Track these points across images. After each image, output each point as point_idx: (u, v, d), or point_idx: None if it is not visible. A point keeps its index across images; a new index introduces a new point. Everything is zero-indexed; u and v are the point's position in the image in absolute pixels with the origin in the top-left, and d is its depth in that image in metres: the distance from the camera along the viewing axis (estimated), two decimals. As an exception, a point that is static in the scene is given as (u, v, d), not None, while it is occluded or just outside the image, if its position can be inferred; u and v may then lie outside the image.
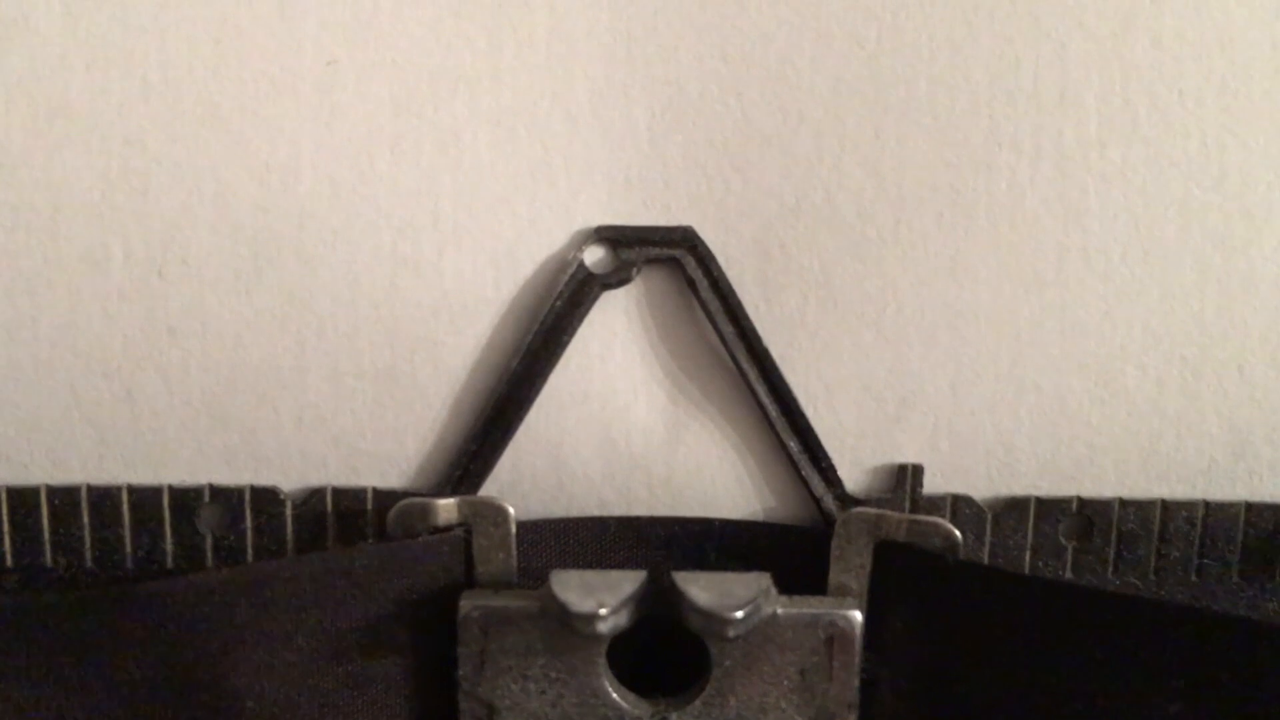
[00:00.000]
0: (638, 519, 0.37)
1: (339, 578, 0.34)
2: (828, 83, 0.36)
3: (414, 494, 0.37)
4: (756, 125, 0.36)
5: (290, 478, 0.37)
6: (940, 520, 0.35)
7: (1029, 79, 0.36)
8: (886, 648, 0.35)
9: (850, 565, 0.35)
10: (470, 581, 0.36)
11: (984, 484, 0.37)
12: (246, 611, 0.34)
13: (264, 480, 0.37)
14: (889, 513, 0.35)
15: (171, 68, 0.35)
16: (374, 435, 0.37)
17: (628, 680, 0.35)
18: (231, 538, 0.37)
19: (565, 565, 0.37)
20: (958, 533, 0.35)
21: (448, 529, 0.36)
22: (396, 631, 0.35)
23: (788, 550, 0.37)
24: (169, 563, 0.37)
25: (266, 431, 0.37)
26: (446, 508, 0.36)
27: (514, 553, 0.36)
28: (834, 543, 0.35)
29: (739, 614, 0.32)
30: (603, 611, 0.32)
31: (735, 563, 0.35)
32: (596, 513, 0.38)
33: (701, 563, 0.35)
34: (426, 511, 0.35)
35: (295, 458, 0.37)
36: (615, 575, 0.34)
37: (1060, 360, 0.37)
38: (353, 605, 0.35)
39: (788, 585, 0.35)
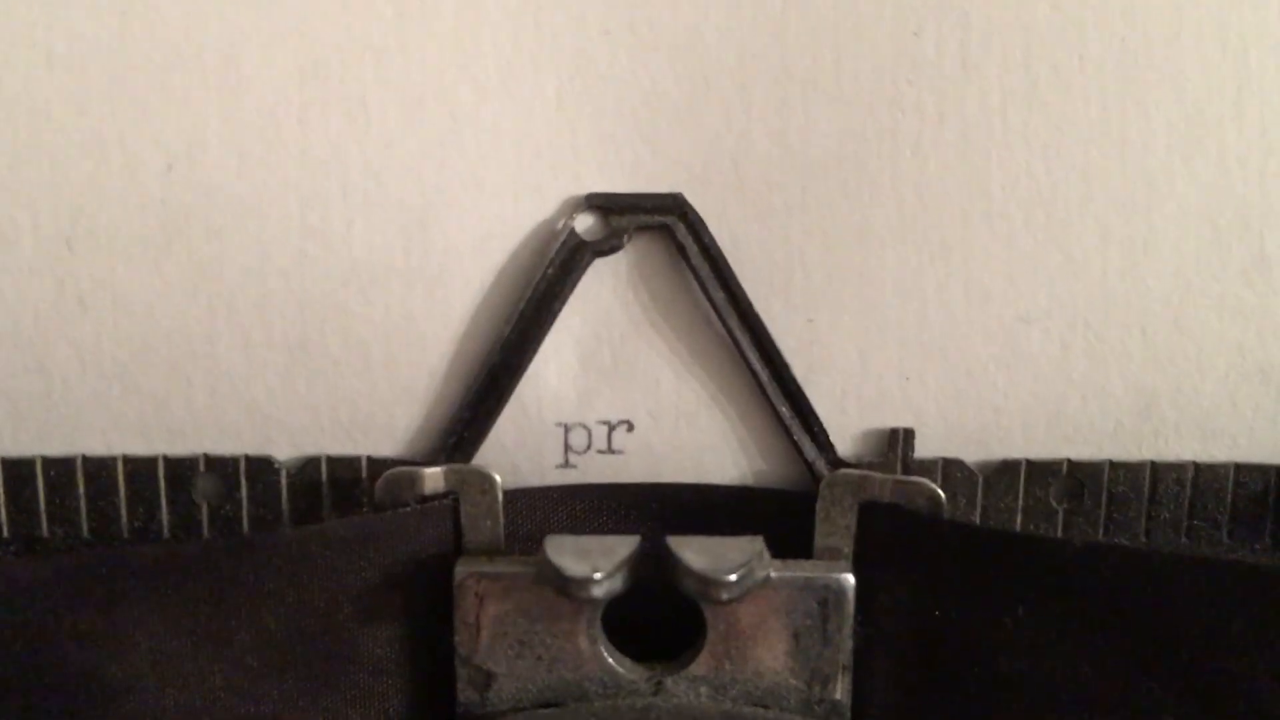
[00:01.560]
0: (627, 486, 0.38)
1: (328, 549, 0.35)
2: (734, 52, 0.36)
3: (407, 462, 0.37)
4: (664, 95, 0.36)
5: (204, 446, 0.37)
6: (924, 480, 0.35)
7: (932, 47, 0.36)
8: (875, 609, 0.35)
9: (836, 527, 0.36)
10: (459, 549, 0.36)
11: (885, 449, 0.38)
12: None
13: (177, 451, 0.37)
14: (873, 473, 0.36)
15: (76, 39, 0.35)
16: (285, 405, 0.37)
17: (625, 648, 0.36)
18: (227, 507, 0.37)
19: (554, 532, 0.36)
20: (942, 493, 0.35)
21: (435, 498, 0.36)
22: (389, 601, 0.35)
23: (779, 514, 0.37)
24: (165, 533, 0.37)
25: (179, 402, 0.37)
26: (433, 476, 0.36)
27: (501, 520, 0.36)
28: (819, 504, 0.36)
29: (732, 577, 0.33)
30: (597, 576, 0.32)
31: (727, 528, 0.35)
32: (592, 479, 0.38)
33: (692, 529, 0.35)
34: (414, 480, 0.36)
35: (209, 428, 0.37)
36: (609, 540, 0.34)
37: (965, 325, 0.37)
38: (344, 577, 0.35)
39: (781, 549, 0.35)
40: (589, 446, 0.38)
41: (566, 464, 0.38)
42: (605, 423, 0.38)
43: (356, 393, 0.37)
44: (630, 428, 0.38)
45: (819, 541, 0.36)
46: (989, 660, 0.35)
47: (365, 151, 0.36)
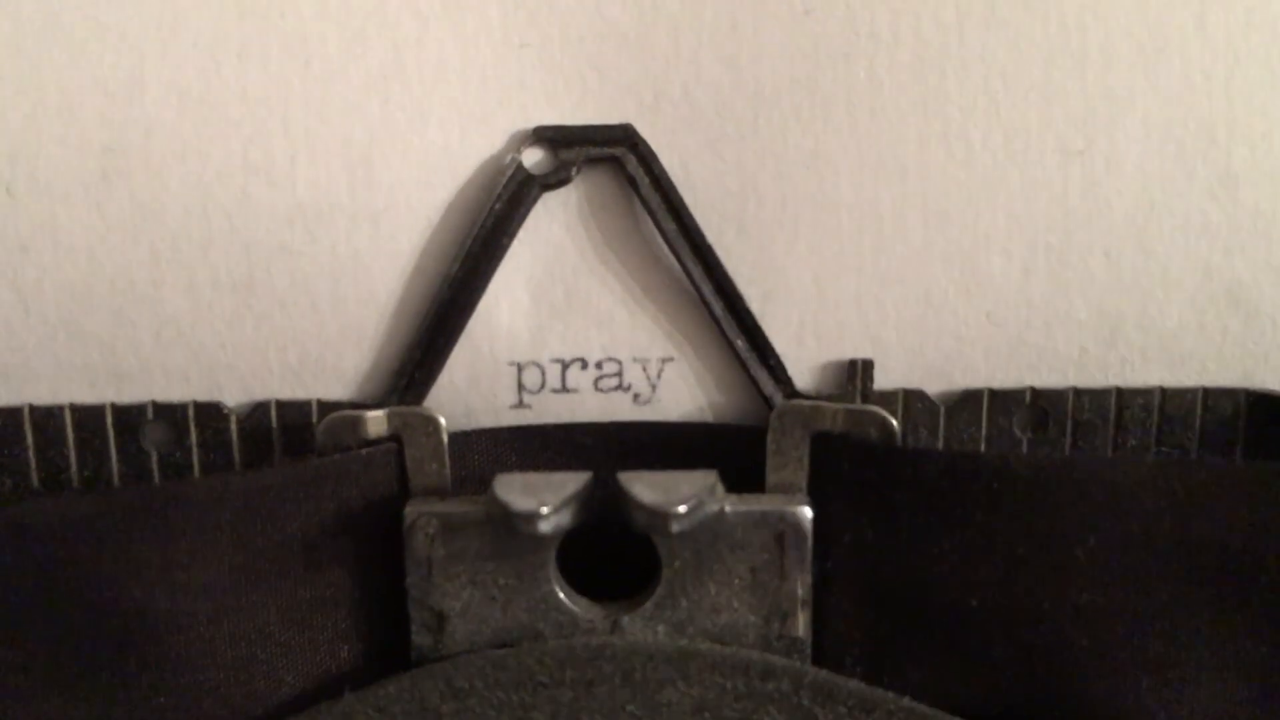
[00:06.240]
0: (579, 425, 0.37)
1: (269, 495, 0.34)
2: (681, -25, 0.35)
3: (357, 405, 0.36)
4: (611, 20, 0.36)
5: (152, 393, 0.37)
6: (876, 409, 0.35)
7: (885, -35, 0.35)
8: (833, 543, 0.35)
9: (788, 459, 0.35)
10: (405, 493, 0.35)
11: (844, 381, 0.37)
12: (167, 532, 0.34)
13: (125, 397, 0.37)
14: (824, 403, 0.35)
15: (7, -23, 0.34)
16: (233, 348, 0.36)
17: (587, 595, 0.35)
18: (177, 454, 0.37)
19: (505, 473, 0.36)
20: (894, 421, 0.35)
21: (380, 441, 0.35)
22: (336, 546, 0.35)
23: (737, 450, 0.36)
24: (115, 481, 0.37)
25: (125, 347, 0.36)
26: (376, 420, 0.35)
27: (447, 463, 0.35)
28: (769, 437, 0.35)
29: (681, 508, 0.32)
30: (544, 510, 0.32)
31: (684, 465, 0.34)
32: (547, 418, 0.37)
33: (648, 467, 0.34)
34: (356, 425, 0.35)
35: (156, 373, 0.37)
36: (559, 477, 0.34)
37: (924, 250, 0.36)
38: (288, 523, 0.34)
39: (741, 486, 0.34)
40: (543, 385, 0.37)
41: (520, 404, 0.37)
42: (559, 360, 0.37)
43: (304, 334, 0.36)
44: (584, 365, 0.37)
45: (771, 475, 0.35)
46: (950, 590, 0.34)
47: (306, 87, 0.35)
